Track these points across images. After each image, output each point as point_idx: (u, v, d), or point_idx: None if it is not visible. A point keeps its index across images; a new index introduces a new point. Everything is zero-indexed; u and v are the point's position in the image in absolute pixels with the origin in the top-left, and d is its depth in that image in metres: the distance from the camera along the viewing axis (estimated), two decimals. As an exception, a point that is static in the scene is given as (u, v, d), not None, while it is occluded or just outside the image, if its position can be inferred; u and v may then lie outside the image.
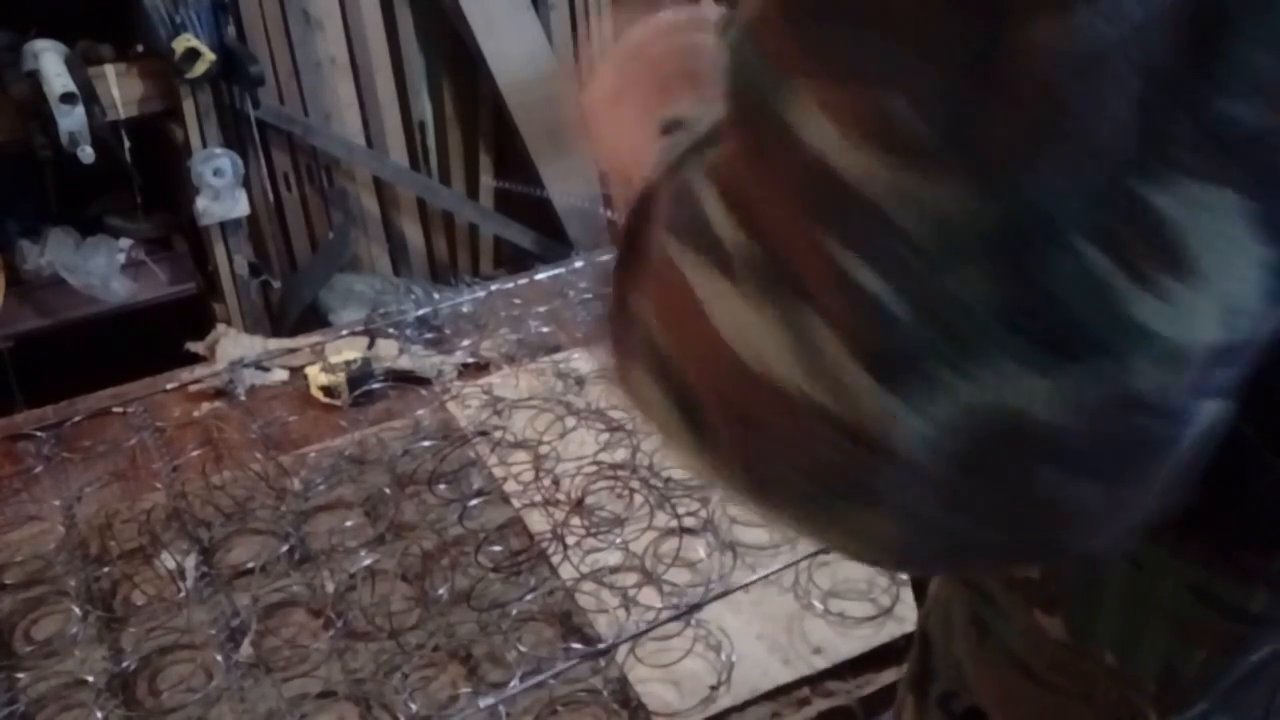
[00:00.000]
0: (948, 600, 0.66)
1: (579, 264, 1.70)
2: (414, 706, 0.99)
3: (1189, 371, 0.32)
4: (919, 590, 0.70)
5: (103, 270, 2.55)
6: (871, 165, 0.32)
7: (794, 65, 0.33)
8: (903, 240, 0.32)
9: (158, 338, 1.80)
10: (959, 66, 0.31)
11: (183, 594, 1.13)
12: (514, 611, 1.08)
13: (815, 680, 1.01)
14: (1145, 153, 0.30)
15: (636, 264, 0.45)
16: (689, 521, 1.18)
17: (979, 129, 0.31)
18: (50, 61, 2.25)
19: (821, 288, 0.33)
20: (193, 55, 2.33)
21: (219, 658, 1.05)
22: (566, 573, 1.13)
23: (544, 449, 1.32)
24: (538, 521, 1.20)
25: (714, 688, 1.00)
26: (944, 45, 0.31)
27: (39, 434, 1.39)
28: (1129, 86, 0.30)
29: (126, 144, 2.41)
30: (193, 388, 1.48)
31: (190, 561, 1.17)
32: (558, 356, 1.51)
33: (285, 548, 1.18)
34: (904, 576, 1.03)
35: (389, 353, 1.52)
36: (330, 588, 1.12)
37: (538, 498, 1.24)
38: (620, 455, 1.30)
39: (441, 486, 1.27)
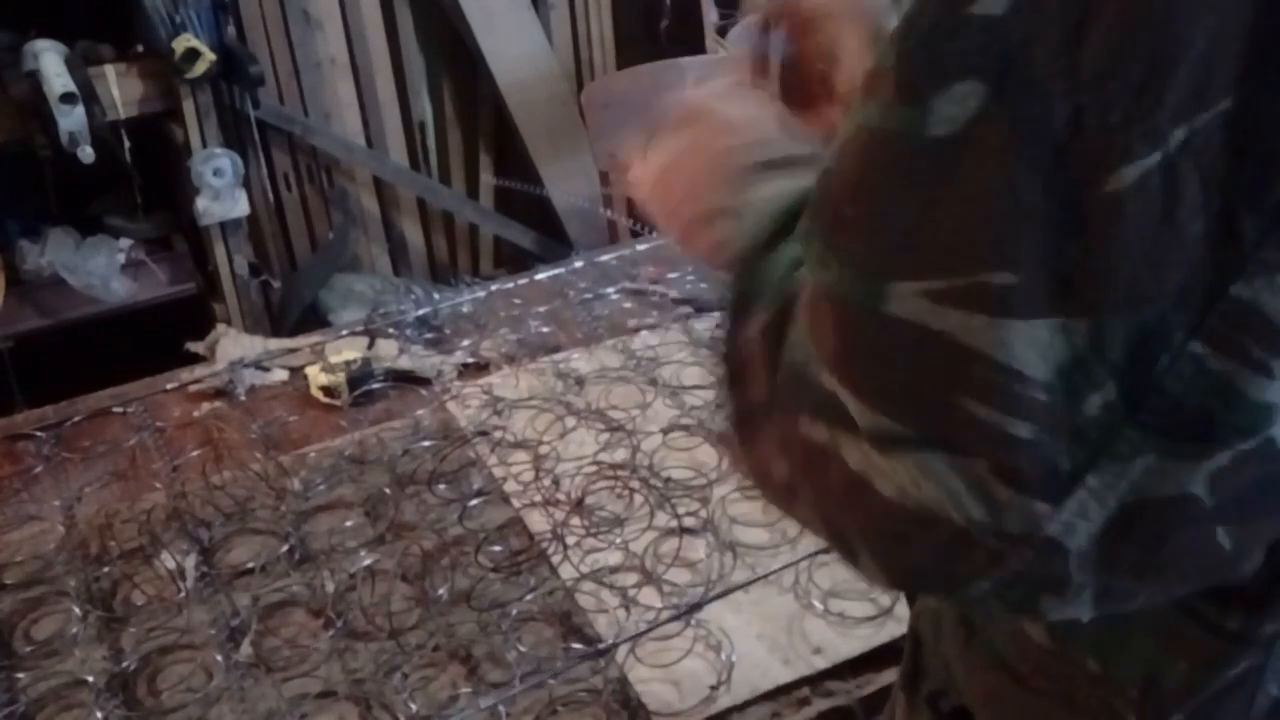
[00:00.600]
0: (936, 601, 0.66)
1: (579, 264, 1.70)
2: (414, 706, 0.99)
3: None
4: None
5: (103, 270, 2.55)
6: (983, 327, 0.36)
7: (882, 264, 0.38)
8: (1034, 386, 0.36)
9: (158, 338, 1.80)
10: (1045, 226, 0.35)
11: (183, 594, 1.13)
12: (514, 611, 1.08)
13: (815, 680, 1.01)
14: (1225, 253, 0.34)
15: (753, 422, 0.49)
16: (689, 521, 1.18)
17: (1075, 272, 0.35)
18: (50, 61, 2.25)
19: (970, 442, 0.37)
20: (193, 55, 2.33)
21: (219, 658, 1.05)
22: (566, 573, 1.13)
23: (544, 449, 1.32)
24: (538, 521, 1.20)
25: (714, 688, 1.00)
26: (1025, 211, 0.35)
27: (39, 434, 1.39)
28: (1196, 204, 0.33)
29: (126, 144, 2.41)
30: (193, 388, 1.48)
31: (190, 561, 1.17)
32: (558, 356, 1.51)
33: (285, 548, 1.18)
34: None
35: (389, 353, 1.52)
36: (330, 588, 1.12)
37: (538, 498, 1.24)
38: (620, 455, 1.30)
39: (441, 486, 1.27)
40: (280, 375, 1.51)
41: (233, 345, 1.54)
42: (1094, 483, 0.37)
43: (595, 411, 1.39)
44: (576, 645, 1.04)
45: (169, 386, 1.48)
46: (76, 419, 1.43)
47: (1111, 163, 0.34)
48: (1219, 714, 0.54)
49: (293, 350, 1.55)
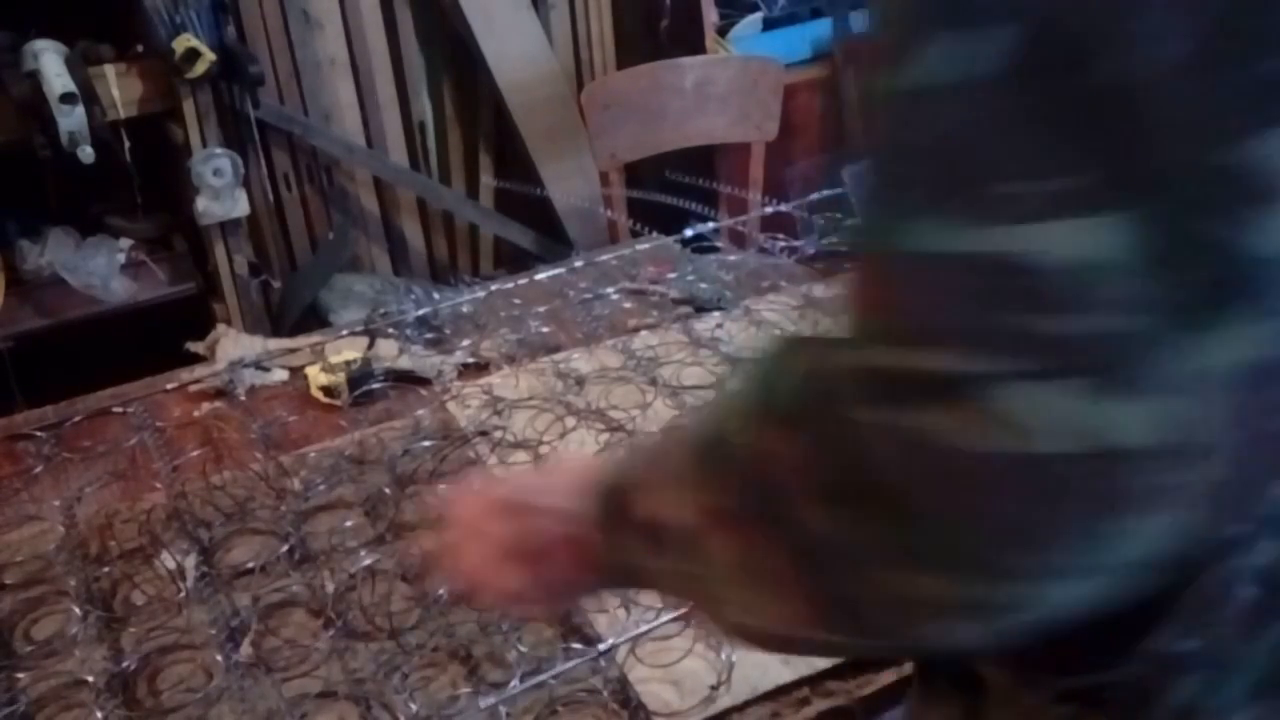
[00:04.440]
0: None
1: (579, 264, 1.70)
2: (414, 706, 0.99)
3: None
4: None
5: (103, 270, 2.55)
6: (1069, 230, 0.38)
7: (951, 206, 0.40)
8: (1108, 273, 0.38)
9: (158, 338, 1.80)
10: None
11: (183, 594, 1.13)
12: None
13: (815, 680, 1.01)
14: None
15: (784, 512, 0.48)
16: (689, 521, 1.18)
17: (1118, 165, 0.37)
18: (50, 61, 2.25)
19: (1077, 359, 0.38)
20: (193, 55, 2.33)
21: (219, 658, 1.05)
22: (566, 573, 1.13)
23: (544, 449, 1.32)
24: (538, 521, 1.20)
25: (714, 688, 1.00)
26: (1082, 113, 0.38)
27: (39, 434, 1.39)
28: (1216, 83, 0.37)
29: (126, 144, 2.41)
30: (193, 388, 1.48)
31: (190, 561, 1.17)
32: (558, 356, 1.51)
33: (285, 548, 1.18)
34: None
35: (389, 353, 1.52)
36: (330, 588, 1.12)
37: (538, 498, 1.23)
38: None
39: (442, 486, 1.27)
40: (280, 375, 1.51)
41: (233, 345, 1.54)
42: (1185, 358, 0.38)
43: (595, 411, 1.39)
44: (576, 645, 1.04)
45: (169, 386, 1.48)
46: (76, 419, 1.43)
47: (1149, 52, 0.36)
48: (1206, 622, 0.56)
49: (293, 350, 1.55)
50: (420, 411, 1.40)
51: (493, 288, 1.66)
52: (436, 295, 1.67)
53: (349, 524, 1.22)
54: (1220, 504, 0.42)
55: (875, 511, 0.43)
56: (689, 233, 1.70)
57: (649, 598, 1.09)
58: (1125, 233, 0.37)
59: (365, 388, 1.43)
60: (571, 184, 2.98)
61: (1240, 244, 0.37)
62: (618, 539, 0.61)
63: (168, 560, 1.17)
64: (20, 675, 1.06)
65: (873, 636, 0.47)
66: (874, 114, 0.42)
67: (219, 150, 2.47)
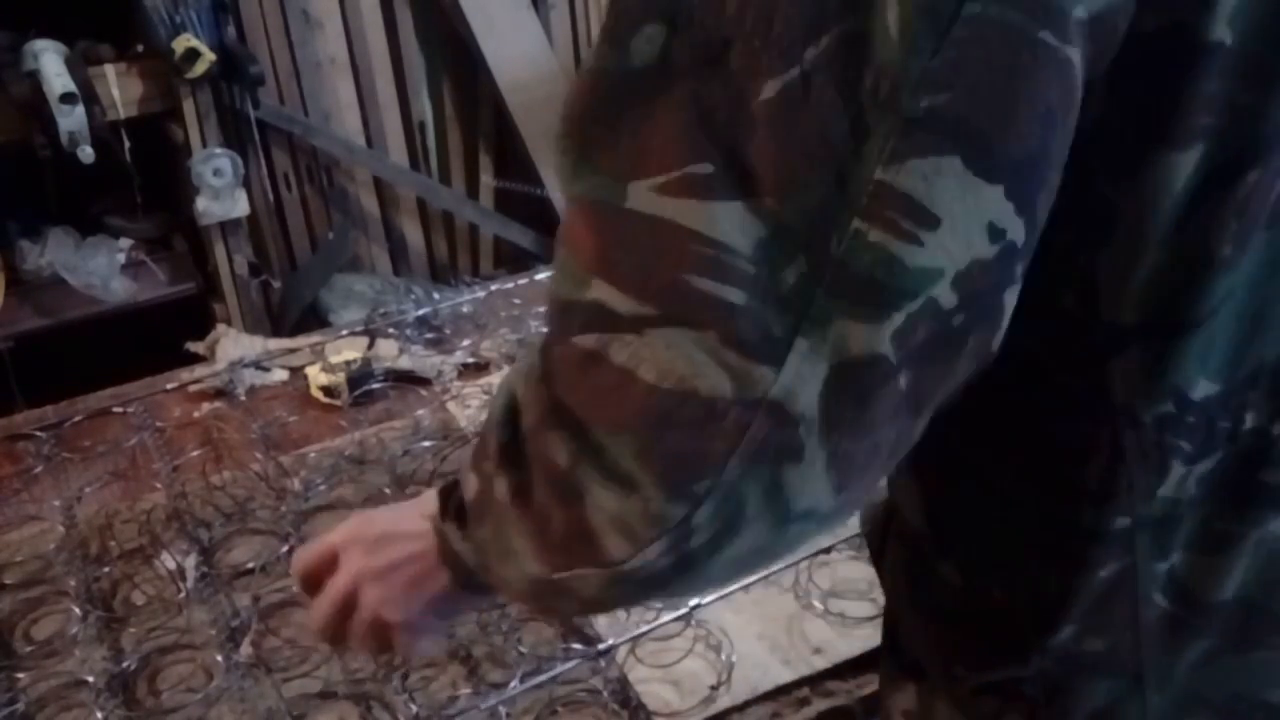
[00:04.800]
0: (892, 562, 0.71)
1: (579, 264, 1.70)
2: (414, 706, 0.99)
3: (977, 279, 0.43)
4: (878, 560, 0.75)
5: (103, 270, 2.55)
6: (695, 209, 0.43)
7: (619, 170, 0.46)
8: (741, 258, 0.43)
9: (158, 338, 1.80)
10: (726, 126, 0.43)
11: (183, 594, 1.13)
12: (514, 611, 1.08)
13: (815, 680, 1.01)
14: (867, 146, 0.41)
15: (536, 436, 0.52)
16: (689, 521, 1.18)
17: (754, 163, 0.42)
18: (50, 61, 2.25)
19: (701, 313, 0.43)
20: (193, 55, 2.33)
21: (219, 658, 1.05)
22: (566, 573, 1.13)
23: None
24: (538, 521, 1.20)
25: (714, 688, 1.00)
26: (709, 116, 0.43)
27: (39, 434, 1.39)
28: (835, 107, 0.41)
29: (126, 144, 2.41)
30: (193, 388, 1.48)
31: (190, 561, 1.17)
32: (558, 356, 1.51)
33: (285, 548, 1.18)
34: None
35: (389, 353, 1.52)
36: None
37: (538, 498, 1.23)
38: (620, 455, 1.30)
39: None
40: (280, 375, 1.51)
41: (233, 345, 1.54)
42: (803, 346, 0.43)
43: (595, 411, 1.38)
44: (576, 645, 1.04)
45: (169, 386, 1.48)
46: (76, 419, 1.43)
47: (761, 76, 0.42)
48: (1108, 624, 0.59)
49: (293, 350, 1.55)
50: (420, 411, 1.40)
51: (493, 288, 1.66)
52: (436, 295, 1.67)
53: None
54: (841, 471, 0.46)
55: (575, 434, 0.48)
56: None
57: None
58: (739, 221, 0.43)
59: (365, 388, 1.43)
60: (571, 184, 2.98)
61: (888, 254, 0.42)
62: (448, 531, 0.66)
63: (168, 560, 1.17)
64: (20, 675, 1.06)
65: (597, 565, 0.50)
66: (593, 82, 0.48)
67: (219, 150, 2.47)
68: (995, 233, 0.43)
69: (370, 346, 1.53)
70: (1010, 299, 0.45)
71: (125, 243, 2.65)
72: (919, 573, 0.67)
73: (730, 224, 0.43)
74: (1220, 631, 0.59)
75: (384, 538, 0.73)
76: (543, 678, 1.00)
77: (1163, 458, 0.55)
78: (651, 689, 1.00)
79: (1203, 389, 0.53)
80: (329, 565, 0.76)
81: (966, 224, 0.42)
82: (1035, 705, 0.62)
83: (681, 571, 0.48)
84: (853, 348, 0.43)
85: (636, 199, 0.45)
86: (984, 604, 0.63)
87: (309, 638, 1.08)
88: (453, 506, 0.65)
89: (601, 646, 1.03)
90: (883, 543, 0.72)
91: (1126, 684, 0.60)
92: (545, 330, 0.52)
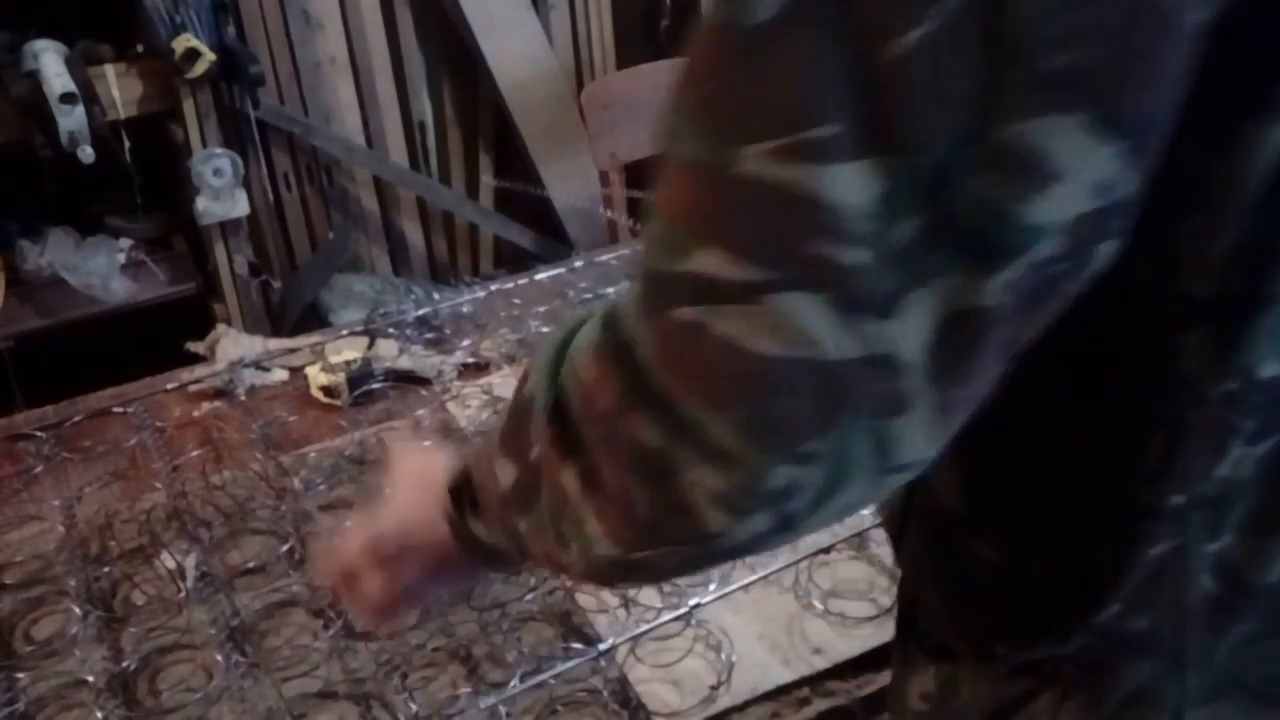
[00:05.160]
0: (913, 545, 0.70)
1: (579, 264, 1.70)
2: (414, 706, 0.99)
3: (1080, 232, 0.44)
4: (897, 542, 0.74)
5: (103, 270, 2.55)
6: (813, 174, 0.43)
7: (731, 134, 0.45)
8: (858, 217, 0.43)
9: (158, 338, 1.80)
10: (851, 86, 0.42)
11: (183, 594, 1.13)
12: (514, 611, 1.08)
13: (815, 680, 1.01)
14: (994, 101, 0.41)
15: (610, 424, 0.51)
16: (689, 521, 1.18)
17: (879, 121, 0.42)
18: (50, 61, 2.25)
19: (816, 276, 0.43)
20: (193, 55, 2.33)
21: (219, 658, 1.05)
22: (566, 573, 1.13)
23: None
24: (538, 521, 1.20)
25: (714, 688, 1.00)
26: (834, 75, 0.42)
27: (39, 434, 1.39)
28: (966, 62, 0.41)
29: (126, 144, 2.41)
30: (193, 388, 1.48)
31: (190, 561, 1.17)
32: (558, 356, 1.51)
33: (285, 548, 1.18)
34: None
35: (389, 353, 1.52)
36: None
37: (538, 498, 1.23)
38: (620, 455, 1.30)
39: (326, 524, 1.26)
40: (280, 375, 1.51)
41: (233, 345, 1.54)
42: (915, 300, 0.44)
43: (595, 411, 1.38)
44: (576, 645, 1.04)
45: (169, 386, 1.48)
46: (76, 419, 1.43)
47: (893, 32, 0.41)
48: (1154, 604, 0.58)
49: (293, 350, 1.55)
50: (420, 411, 1.40)
51: (493, 288, 1.66)
52: (436, 295, 1.67)
53: (349, 524, 1.21)
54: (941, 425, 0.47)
55: (666, 411, 0.47)
56: (689, 233, 1.70)
57: (649, 597, 1.09)
58: (859, 179, 0.42)
59: (365, 388, 1.43)
60: (571, 184, 2.98)
61: (1000, 210, 0.42)
62: (468, 521, 0.66)
63: (168, 560, 1.17)
64: (20, 675, 1.06)
65: (693, 542, 0.50)
66: (710, 38, 0.46)
67: (219, 150, 2.47)
68: (1105, 189, 0.43)
69: (370, 346, 1.53)
70: (1105, 252, 0.46)
71: (125, 243, 2.65)
72: (948, 552, 0.66)
73: (849, 183, 0.42)
74: (1264, 615, 0.59)
75: (403, 552, 0.74)
76: (542, 677, 1.00)
77: (1224, 437, 0.54)
78: (651, 689, 1.00)
79: (1271, 368, 0.52)
80: (351, 577, 0.78)
81: (1081, 180, 0.43)
82: (1072, 684, 0.62)
83: (779, 533, 0.48)
84: (964, 300, 0.44)
85: (749, 163, 0.44)
86: (1024, 582, 0.62)
87: (309, 638, 1.08)
88: (467, 502, 0.66)
89: (602, 646, 1.03)
90: (902, 525, 0.71)
91: (1166, 664, 0.60)
92: (626, 305, 0.49)
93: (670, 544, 0.51)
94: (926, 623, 0.71)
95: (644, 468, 0.49)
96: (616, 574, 0.56)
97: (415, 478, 0.75)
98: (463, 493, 0.67)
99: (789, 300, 0.43)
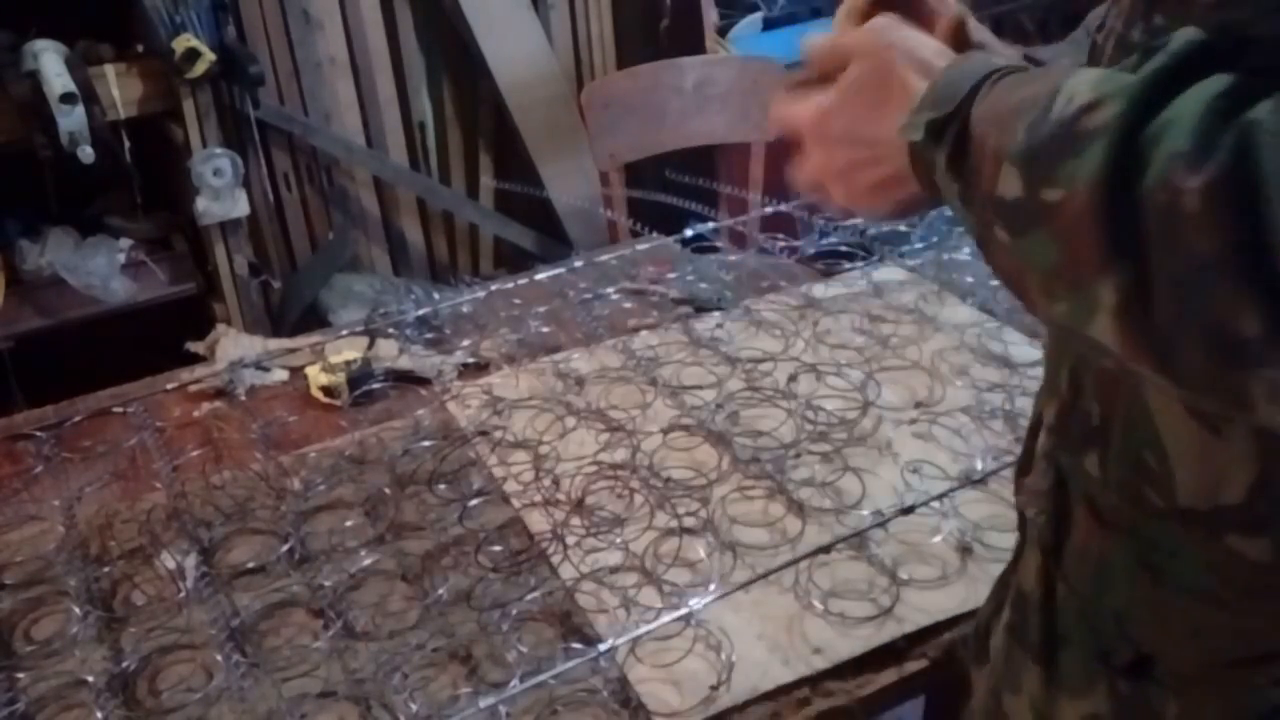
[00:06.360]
0: (1100, 553, 0.65)
1: (579, 264, 1.70)
2: (414, 706, 0.99)
3: None
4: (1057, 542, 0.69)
5: (103, 270, 2.55)
6: None
7: None
8: None
9: (158, 338, 1.80)
10: None
11: (183, 594, 1.13)
12: (514, 611, 1.08)
13: (815, 680, 1.01)
14: None
15: (1191, 283, 0.44)
16: (689, 521, 1.18)
17: None
18: (50, 61, 2.25)
19: None
20: (193, 55, 2.33)
21: (219, 658, 1.05)
22: (566, 573, 1.13)
23: (544, 449, 1.32)
24: (538, 521, 1.20)
25: (714, 688, 1.00)
26: None
27: (39, 434, 1.39)
28: None
29: (126, 144, 2.41)
30: (193, 388, 1.48)
31: (190, 561, 1.17)
32: (557, 356, 1.51)
33: (285, 548, 1.18)
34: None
35: (389, 353, 1.52)
36: (330, 587, 1.12)
37: (538, 498, 1.24)
38: (620, 455, 1.30)
39: (441, 486, 1.27)
40: (280, 375, 1.51)
41: (233, 345, 1.54)
42: None
43: (595, 411, 1.39)
44: (576, 645, 1.04)
45: (169, 386, 1.48)
46: (76, 419, 1.43)
47: None
48: None
49: (293, 350, 1.55)
50: (420, 411, 1.40)
51: (493, 288, 1.66)
52: (436, 295, 1.67)
53: (349, 524, 1.22)
54: None
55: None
56: (689, 233, 1.70)
57: (649, 598, 1.09)
58: None
59: (365, 388, 1.43)
60: (571, 184, 2.98)
61: None
62: (936, 160, 0.58)
63: (168, 560, 1.17)
64: (20, 675, 1.06)
65: (1222, 409, 0.45)
66: None
67: (219, 150, 2.47)
68: None
69: (370, 346, 1.53)
70: None
71: (125, 243, 2.65)
72: (1193, 553, 0.60)
73: None
74: None
75: (854, 141, 0.67)
76: (542, 678, 1.00)
77: None
78: (651, 689, 1.00)
79: None
80: (838, 61, 0.69)
81: None
82: None
83: None
84: None
85: None
86: None
87: (309, 638, 1.08)
88: (948, 141, 0.57)
89: (602, 647, 1.03)
90: (1057, 527, 0.67)
91: None
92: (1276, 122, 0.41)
93: (1194, 392, 0.45)
94: (1110, 637, 0.65)
95: (1218, 343, 0.43)
96: (1088, 344, 0.49)
97: (886, 71, 0.65)
98: (944, 133, 0.58)
99: None
